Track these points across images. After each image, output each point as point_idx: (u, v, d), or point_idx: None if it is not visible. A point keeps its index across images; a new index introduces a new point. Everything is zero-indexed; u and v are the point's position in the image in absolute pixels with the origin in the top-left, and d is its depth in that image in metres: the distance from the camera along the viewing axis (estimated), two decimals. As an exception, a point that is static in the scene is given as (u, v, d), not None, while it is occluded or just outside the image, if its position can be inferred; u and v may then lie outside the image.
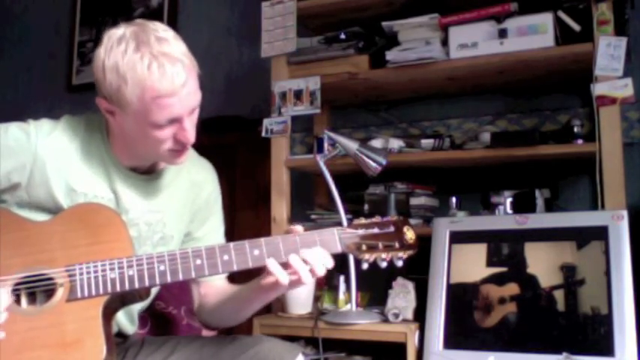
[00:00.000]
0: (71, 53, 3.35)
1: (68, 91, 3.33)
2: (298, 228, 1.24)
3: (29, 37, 3.53)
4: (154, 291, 1.45)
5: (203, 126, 2.49)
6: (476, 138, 2.17)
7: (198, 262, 1.20)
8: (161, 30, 1.22)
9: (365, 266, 1.23)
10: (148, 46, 1.17)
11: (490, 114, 2.37)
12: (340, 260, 1.70)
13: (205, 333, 1.60)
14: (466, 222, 1.95)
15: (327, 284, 2.16)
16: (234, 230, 2.38)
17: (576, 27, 1.95)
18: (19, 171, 1.27)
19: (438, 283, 1.87)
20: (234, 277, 1.40)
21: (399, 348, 1.86)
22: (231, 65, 2.93)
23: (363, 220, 1.25)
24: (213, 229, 1.49)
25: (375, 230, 1.24)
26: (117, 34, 1.21)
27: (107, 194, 1.32)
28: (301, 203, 2.44)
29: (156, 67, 1.16)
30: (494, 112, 2.37)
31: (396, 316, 1.93)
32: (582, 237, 1.76)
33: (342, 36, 2.26)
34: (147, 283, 1.20)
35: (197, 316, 1.50)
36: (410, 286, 1.98)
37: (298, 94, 2.24)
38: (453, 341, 1.79)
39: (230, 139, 2.66)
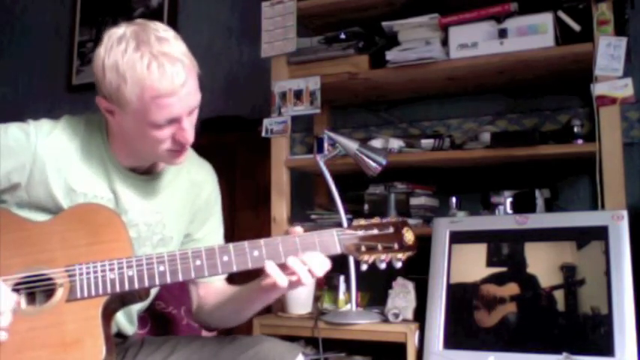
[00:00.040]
0: (71, 53, 3.35)
1: (68, 91, 3.33)
2: (298, 229, 1.23)
3: (29, 37, 3.53)
4: (153, 291, 1.45)
5: (203, 126, 2.53)
6: (476, 138, 2.17)
7: (198, 262, 1.20)
8: (161, 30, 1.22)
9: (364, 267, 1.23)
10: (148, 46, 1.18)
11: (490, 114, 2.37)
12: (340, 260, 1.70)
13: (205, 333, 1.60)
14: (466, 222, 1.95)
15: (327, 284, 2.16)
16: (234, 230, 2.38)
17: (576, 27, 1.95)
18: (19, 171, 1.27)
19: (438, 283, 1.87)
20: (233, 278, 1.40)
21: (399, 348, 1.86)
22: (231, 65, 2.93)
23: (362, 222, 1.25)
24: (212, 230, 1.49)
25: (375, 231, 1.23)
26: (117, 34, 1.21)
27: (107, 194, 1.32)
28: (301, 203, 2.44)
29: (155, 67, 1.17)
30: (494, 112, 2.37)
31: (396, 316, 1.93)
32: (582, 237, 1.76)
33: (342, 36, 2.26)
34: (146, 284, 1.20)
35: (195, 318, 1.50)
36: (410, 286, 1.98)
37: (298, 94, 2.23)
38: (453, 341, 1.79)
39: (230, 139, 2.66)
